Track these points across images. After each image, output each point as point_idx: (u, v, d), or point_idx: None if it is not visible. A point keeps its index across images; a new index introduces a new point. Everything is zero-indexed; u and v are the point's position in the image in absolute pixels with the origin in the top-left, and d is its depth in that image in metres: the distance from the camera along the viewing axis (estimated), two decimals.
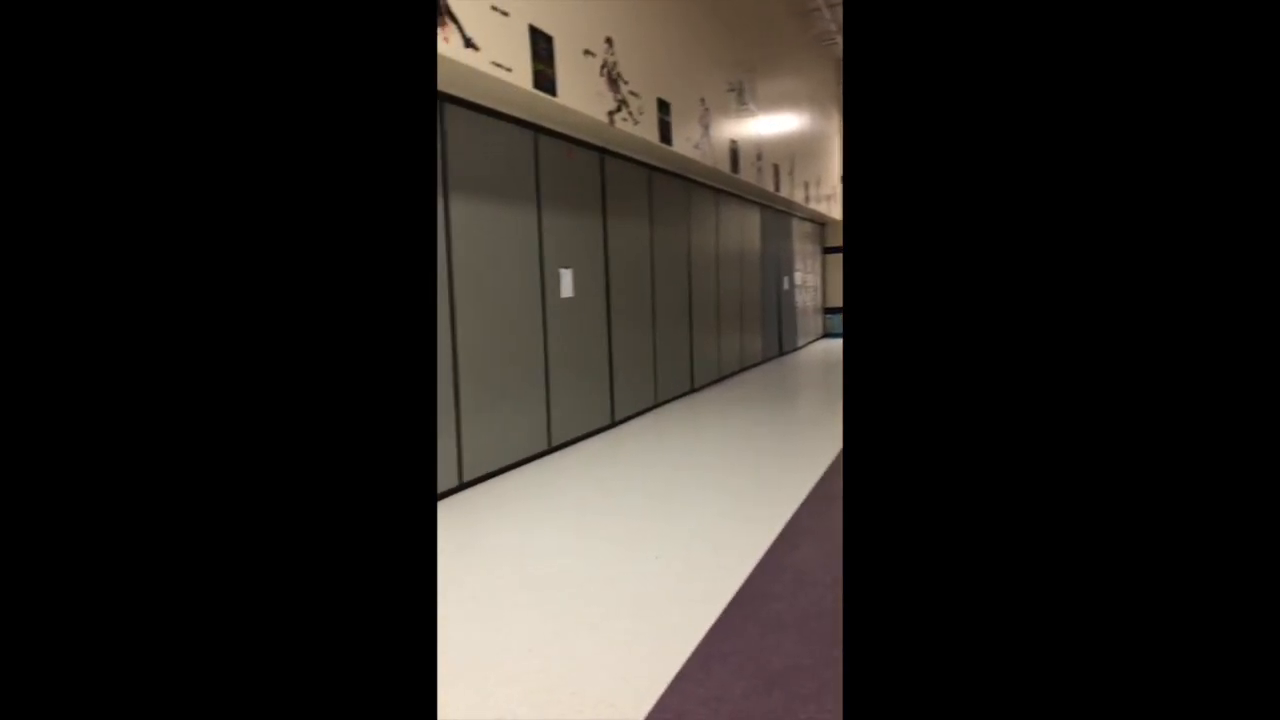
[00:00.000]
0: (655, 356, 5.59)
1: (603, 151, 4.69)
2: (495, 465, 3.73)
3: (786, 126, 7.88)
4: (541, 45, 3.46)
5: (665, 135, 4.89)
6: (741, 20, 6.46)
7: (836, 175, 10.61)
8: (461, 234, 3.44)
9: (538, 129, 3.99)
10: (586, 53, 3.88)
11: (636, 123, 4.46)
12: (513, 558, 2.62)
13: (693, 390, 6.32)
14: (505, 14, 3.17)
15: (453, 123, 3.35)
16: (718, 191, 6.81)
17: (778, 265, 8.83)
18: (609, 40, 4.13)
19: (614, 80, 4.19)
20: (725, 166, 6.05)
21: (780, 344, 8.98)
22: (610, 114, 4.15)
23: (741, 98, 6.47)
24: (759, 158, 6.98)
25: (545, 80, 3.49)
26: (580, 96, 3.81)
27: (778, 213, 8.77)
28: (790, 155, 8.02)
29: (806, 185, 8.82)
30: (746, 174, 6.62)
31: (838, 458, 3.90)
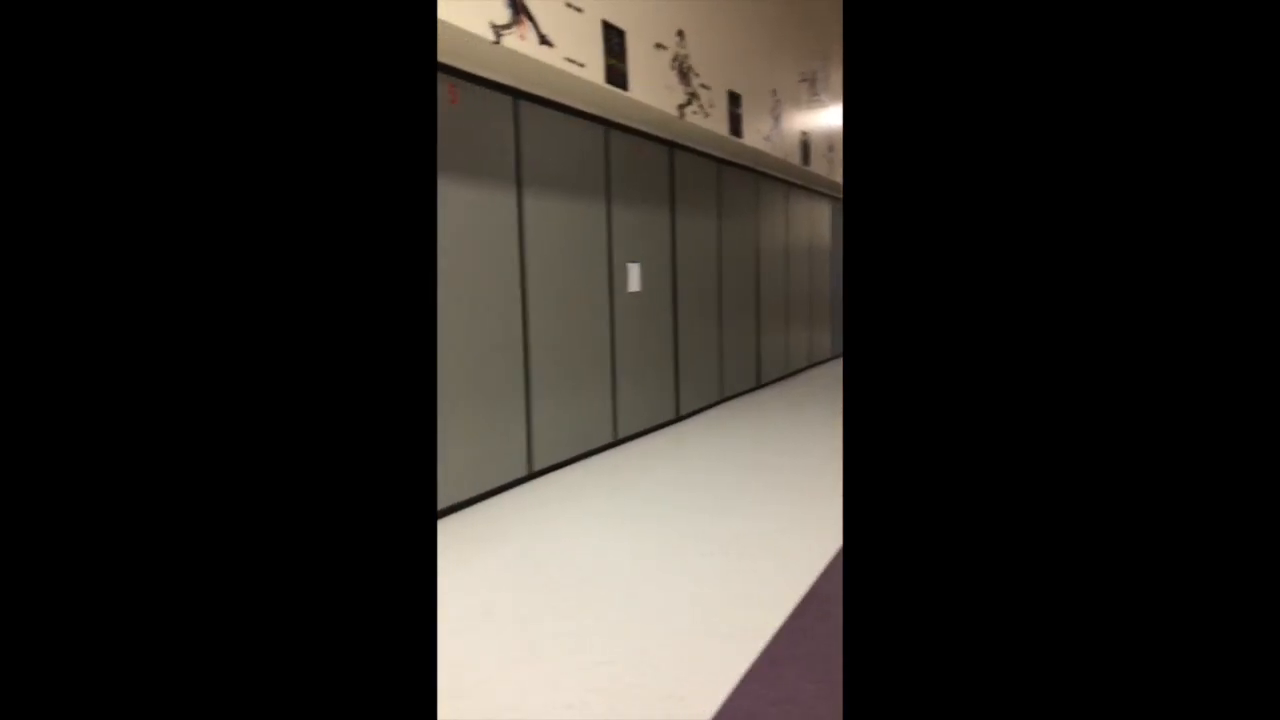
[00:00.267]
0: (721, 351, 5.54)
1: (672, 145, 4.67)
2: (562, 456, 3.79)
3: None
4: (614, 40, 3.47)
5: (736, 128, 4.83)
6: (816, 7, 6.30)
7: None
8: (533, 229, 3.50)
9: (608, 124, 4.01)
10: (658, 46, 3.87)
11: (707, 115, 4.42)
12: (580, 549, 2.66)
13: (759, 386, 6.25)
14: (579, 10, 3.20)
15: (526, 119, 3.41)
16: (788, 184, 6.68)
17: None
18: (680, 33, 4.10)
19: (685, 73, 4.16)
20: (796, 159, 5.93)
21: None
22: (681, 107, 4.13)
23: (814, 88, 6.32)
24: (830, 149, 6.80)
25: (617, 75, 3.50)
26: (651, 90, 3.81)
27: None
28: None
29: None
30: (818, 166, 6.46)
31: None
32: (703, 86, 4.36)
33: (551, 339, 3.66)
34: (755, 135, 5.13)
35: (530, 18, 2.91)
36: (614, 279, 4.16)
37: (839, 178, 7.06)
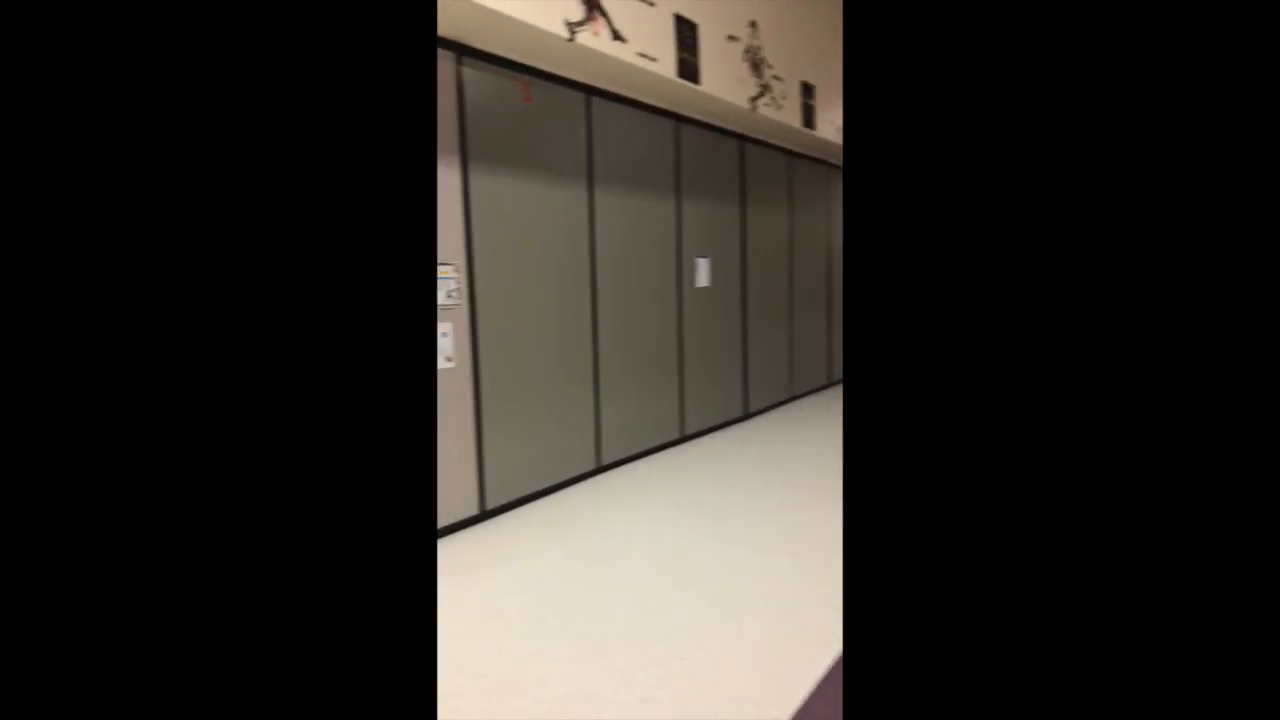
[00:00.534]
0: (792, 348, 5.43)
1: (743, 138, 4.60)
2: (629, 452, 3.80)
3: None
4: (686, 33, 3.44)
5: (808, 119, 4.71)
6: None
7: None
8: (603, 224, 3.51)
9: (679, 118, 3.99)
10: (730, 38, 3.81)
11: (780, 107, 4.33)
12: (647, 545, 2.65)
13: (830, 384, 6.09)
14: (652, 4, 3.19)
15: (598, 116, 3.42)
16: None
17: None
18: (753, 24, 4.03)
19: (757, 65, 4.09)
20: None
21: None
22: (753, 100, 4.06)
23: None
24: None
25: (688, 69, 3.47)
26: (723, 83, 3.76)
27: None
28: None
29: None
30: None
31: None
32: (775, 78, 4.28)
33: (620, 335, 3.67)
34: (828, 126, 5.00)
35: (604, 14, 2.91)
36: (682, 274, 4.14)
37: None
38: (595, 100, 3.40)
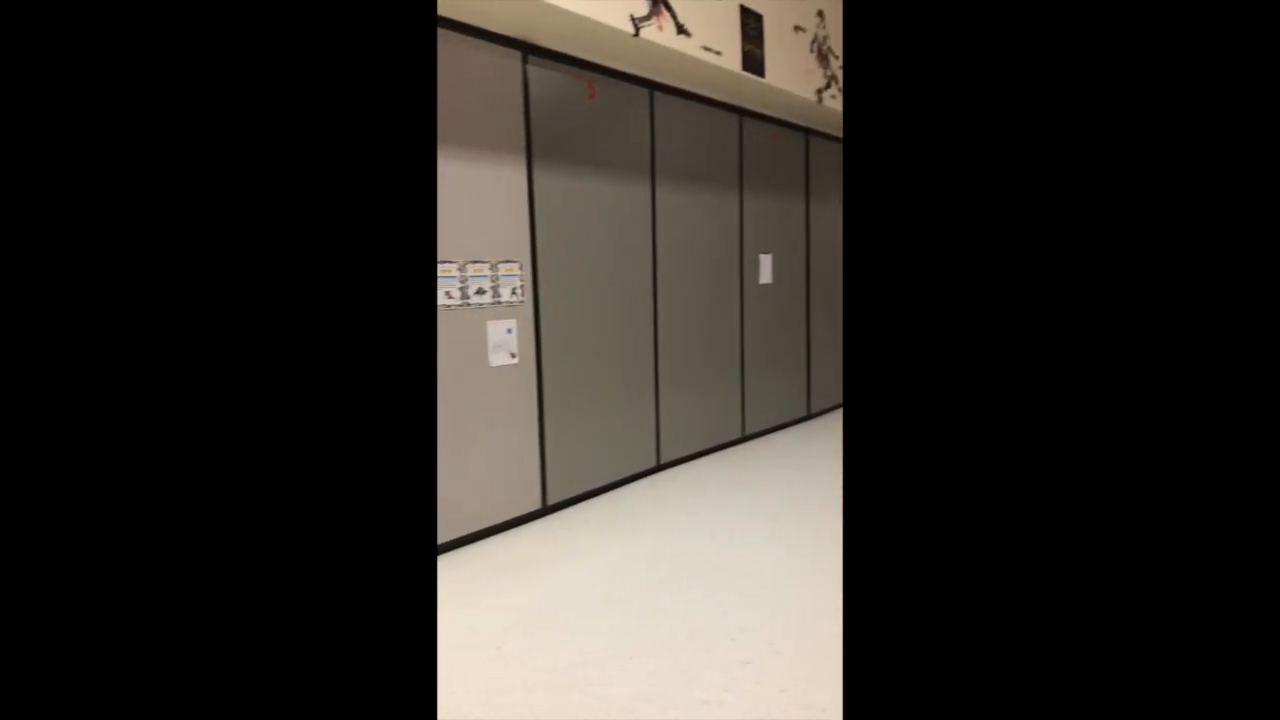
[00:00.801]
0: None
1: (808, 131, 4.49)
2: (689, 450, 3.77)
3: None
4: (751, 25, 3.38)
5: None
6: None
7: None
8: (665, 220, 3.49)
9: (743, 112, 3.92)
10: (797, 29, 3.72)
11: None
12: (708, 544, 2.62)
13: None
14: None
15: (660, 110, 3.40)
16: None
17: None
18: (820, 13, 3.92)
19: (824, 55, 3.98)
20: None
21: None
22: (819, 91, 3.96)
23: None
24: None
25: (753, 61, 3.40)
26: (789, 75, 3.67)
27: None
28: None
29: None
30: None
31: None
32: (843, 69, 4.16)
33: (680, 332, 3.64)
34: None
35: (668, 8, 2.89)
36: (744, 271, 4.07)
37: None
38: (658, 95, 3.38)
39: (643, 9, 2.76)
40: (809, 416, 4.76)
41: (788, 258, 4.43)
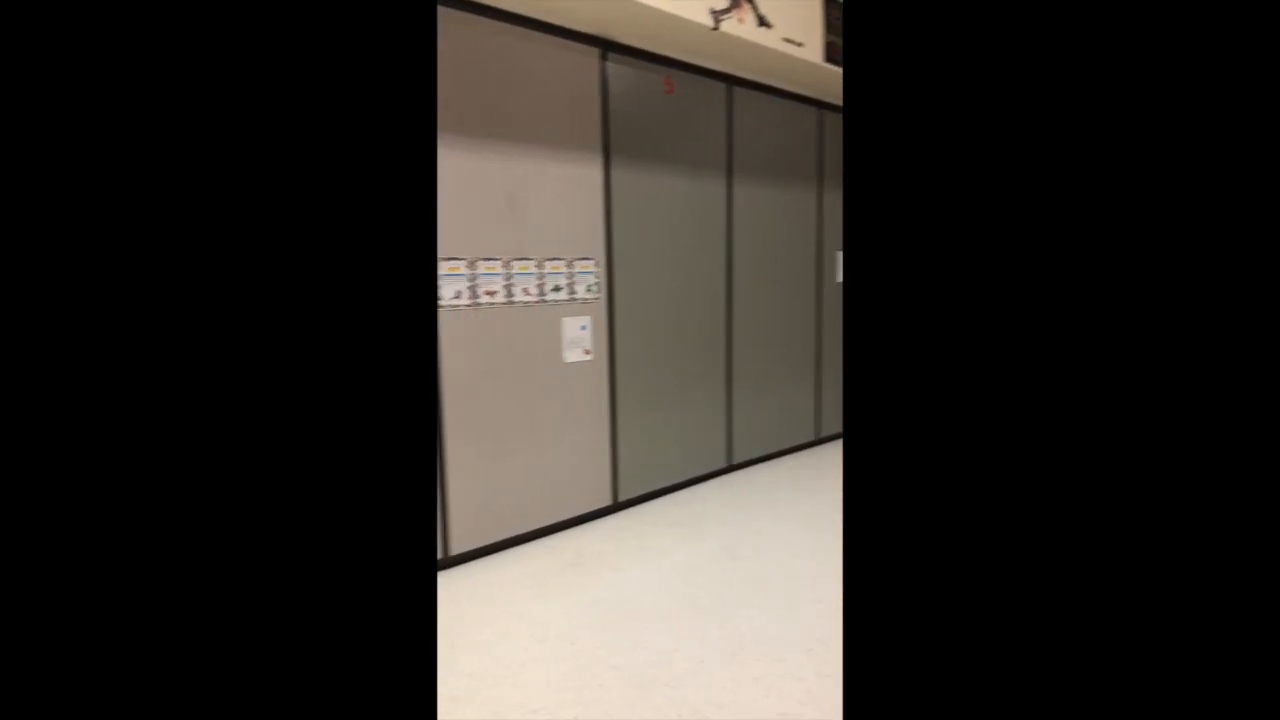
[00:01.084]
0: None
1: None
2: (762, 451, 3.69)
3: None
4: (834, 15, 3.27)
5: None
6: None
7: None
8: (741, 217, 3.43)
9: (823, 105, 3.81)
10: None
11: None
12: (779, 549, 2.55)
13: None
14: None
15: (739, 105, 3.34)
16: None
17: None
18: None
19: None
20: None
21: None
22: None
23: None
24: None
25: (837, 52, 3.29)
26: None
27: None
28: None
29: None
30: None
31: None
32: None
33: (755, 330, 3.58)
34: None
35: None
36: (822, 268, 3.96)
37: None
38: (737, 90, 3.32)
39: (723, 1, 2.72)
40: None
41: None
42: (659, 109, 2.98)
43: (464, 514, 2.50)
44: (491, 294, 2.50)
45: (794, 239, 3.76)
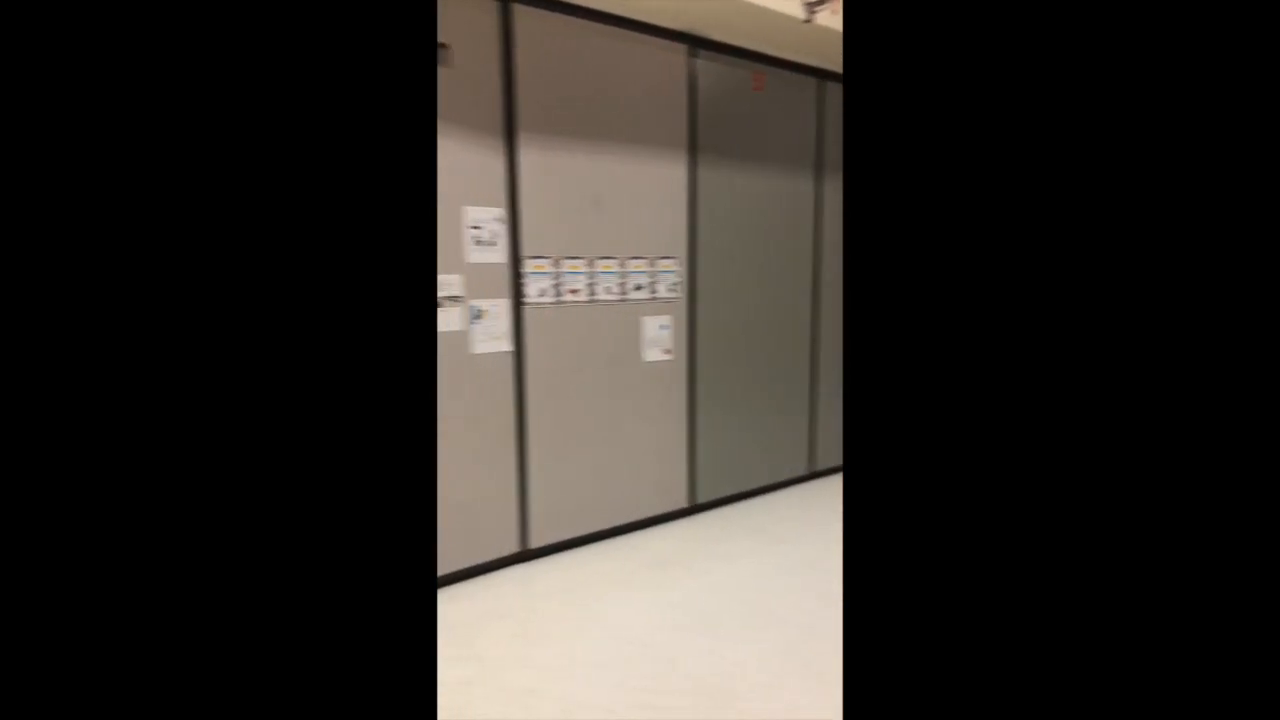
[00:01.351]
0: None
1: None
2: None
3: None
4: None
5: None
6: None
7: None
8: (830, 214, 3.32)
9: None
10: None
11: None
12: None
13: None
14: None
15: (830, 100, 3.23)
16: None
17: None
18: None
19: None
20: None
21: None
22: None
23: None
24: None
25: None
26: None
27: None
28: None
29: None
30: None
31: None
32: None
33: (838, 336, 3.45)
34: None
35: None
36: None
37: None
38: (828, 84, 3.21)
39: None
40: None
41: None
42: (747, 106, 2.92)
43: (542, 508, 2.53)
44: (574, 292, 2.52)
45: None
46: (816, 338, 3.35)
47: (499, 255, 2.33)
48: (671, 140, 2.70)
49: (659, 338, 2.77)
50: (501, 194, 2.31)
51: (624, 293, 2.65)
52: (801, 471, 3.37)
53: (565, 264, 2.49)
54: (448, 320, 2.24)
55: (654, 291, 2.74)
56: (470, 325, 2.29)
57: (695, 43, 2.72)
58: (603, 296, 2.60)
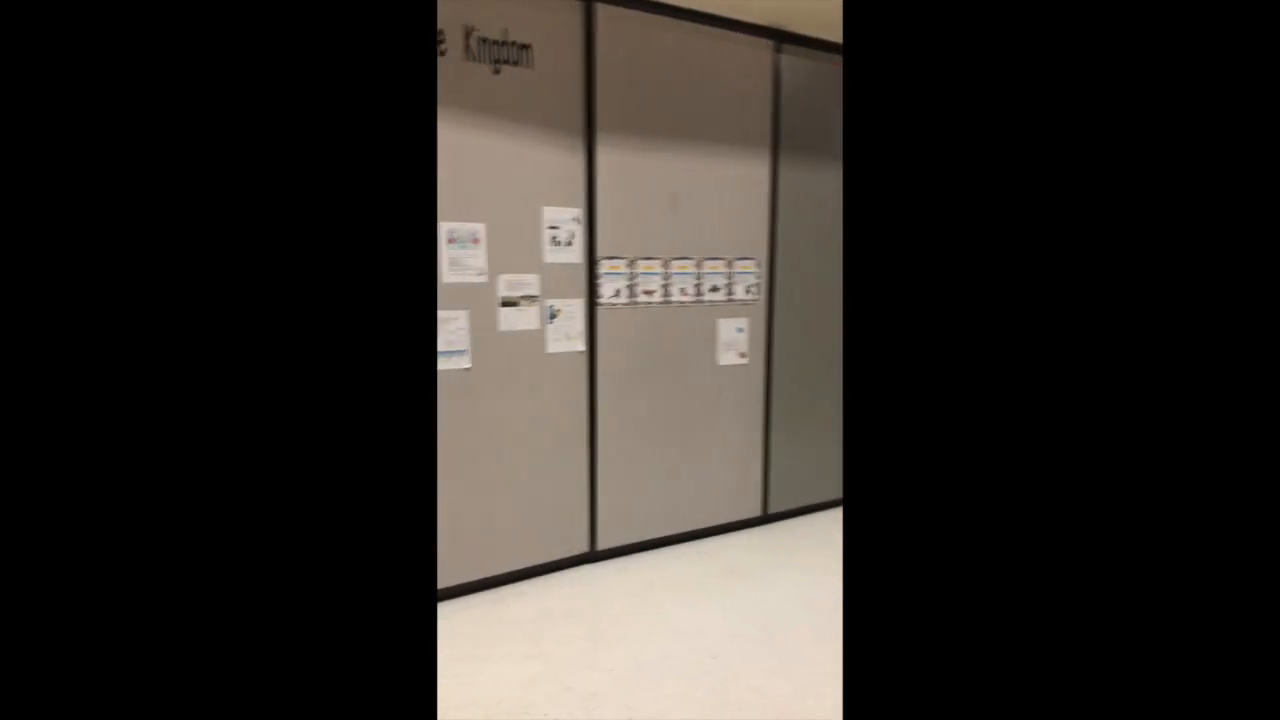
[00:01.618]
0: None
1: None
2: None
3: None
4: None
5: None
6: None
7: None
8: None
9: None
10: None
11: None
12: None
13: None
14: None
15: None
16: None
17: None
18: None
19: None
20: None
21: None
22: None
23: None
24: None
25: None
26: None
27: None
28: None
29: None
30: None
31: None
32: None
33: None
34: None
35: None
36: None
37: None
38: None
39: None
40: None
41: None
42: (833, 102, 2.82)
43: (612, 510, 2.52)
44: (649, 293, 2.49)
45: None
46: None
47: (575, 255, 2.33)
48: (753, 138, 2.63)
49: (734, 340, 2.71)
50: (580, 194, 2.32)
51: (699, 294, 2.61)
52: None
53: (640, 264, 2.47)
54: (525, 319, 2.27)
55: (730, 293, 2.68)
56: (546, 325, 2.30)
57: (780, 37, 2.64)
58: (677, 298, 2.56)
